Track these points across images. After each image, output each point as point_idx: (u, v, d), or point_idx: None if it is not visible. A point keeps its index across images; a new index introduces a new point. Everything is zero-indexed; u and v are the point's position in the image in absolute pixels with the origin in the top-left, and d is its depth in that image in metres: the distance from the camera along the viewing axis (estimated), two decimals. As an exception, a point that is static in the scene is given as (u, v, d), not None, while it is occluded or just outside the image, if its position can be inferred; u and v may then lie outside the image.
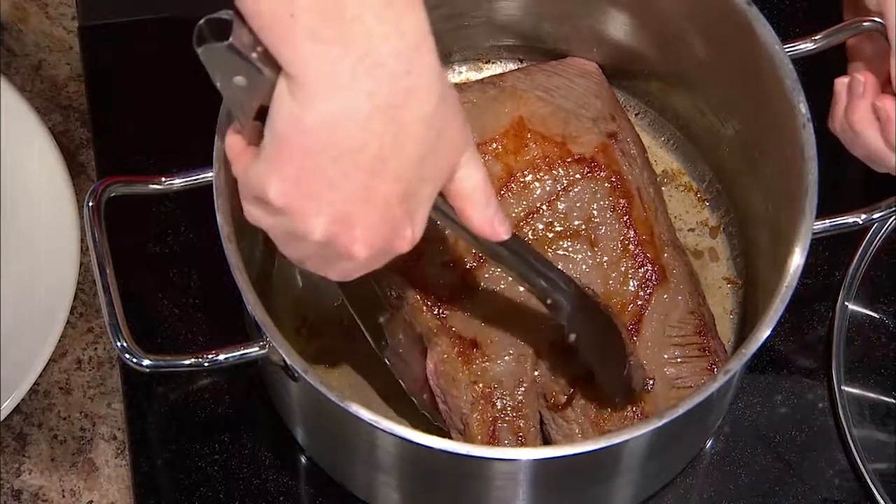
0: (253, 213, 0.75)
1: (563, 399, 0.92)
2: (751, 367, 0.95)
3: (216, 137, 0.80)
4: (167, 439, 0.97)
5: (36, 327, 0.96)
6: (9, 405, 0.94)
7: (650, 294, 0.93)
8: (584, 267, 0.94)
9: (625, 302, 0.93)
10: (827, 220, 0.87)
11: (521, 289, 0.90)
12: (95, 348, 1.00)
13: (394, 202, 0.72)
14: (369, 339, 0.91)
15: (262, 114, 0.72)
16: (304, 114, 0.69)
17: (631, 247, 0.94)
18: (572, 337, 0.87)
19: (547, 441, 0.93)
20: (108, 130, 1.04)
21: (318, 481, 0.96)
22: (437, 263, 0.92)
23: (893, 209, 0.89)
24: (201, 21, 0.69)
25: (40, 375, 0.95)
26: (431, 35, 0.70)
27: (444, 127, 0.72)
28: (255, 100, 0.71)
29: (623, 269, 0.94)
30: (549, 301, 0.84)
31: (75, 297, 0.97)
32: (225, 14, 0.69)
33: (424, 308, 0.91)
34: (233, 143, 0.75)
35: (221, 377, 0.98)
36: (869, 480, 0.95)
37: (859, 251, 1.01)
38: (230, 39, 0.69)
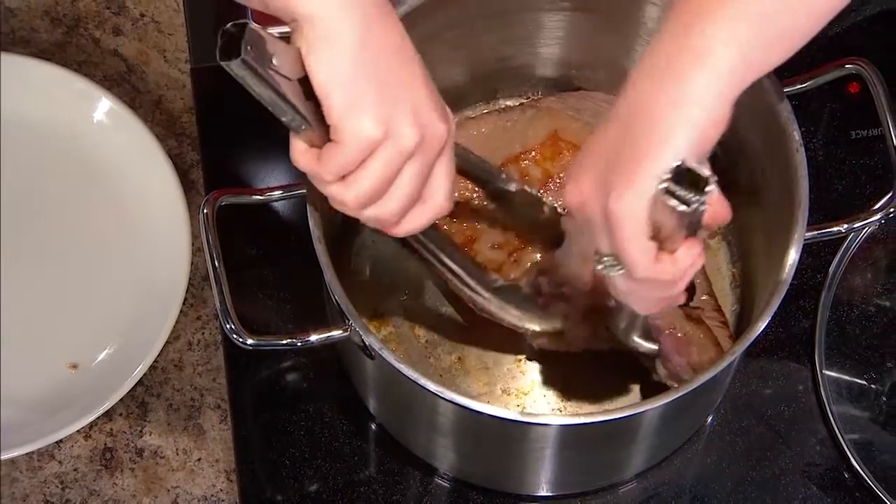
0: (351, 189, 0.72)
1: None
2: (747, 353, 0.91)
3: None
4: (262, 409, 0.97)
5: (155, 315, 0.96)
6: (133, 379, 0.94)
7: None
8: None
9: None
10: (815, 230, 0.86)
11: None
12: (203, 333, 1.00)
13: (426, 77, 0.72)
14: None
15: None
16: (339, 48, 0.67)
17: None
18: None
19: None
20: (214, 154, 1.05)
21: (386, 445, 0.95)
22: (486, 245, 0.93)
23: (871, 220, 0.88)
24: (218, 51, 0.66)
25: (159, 354, 0.96)
26: None
27: None
28: (291, 74, 0.68)
29: None
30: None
31: (187, 291, 0.97)
32: (228, 28, 0.66)
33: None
34: (297, 147, 0.73)
35: (305, 359, 0.97)
36: (846, 447, 0.95)
37: (837, 257, 1.00)
38: (249, 25, 0.65)
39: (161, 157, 1.01)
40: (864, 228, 0.95)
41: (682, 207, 0.67)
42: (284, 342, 0.83)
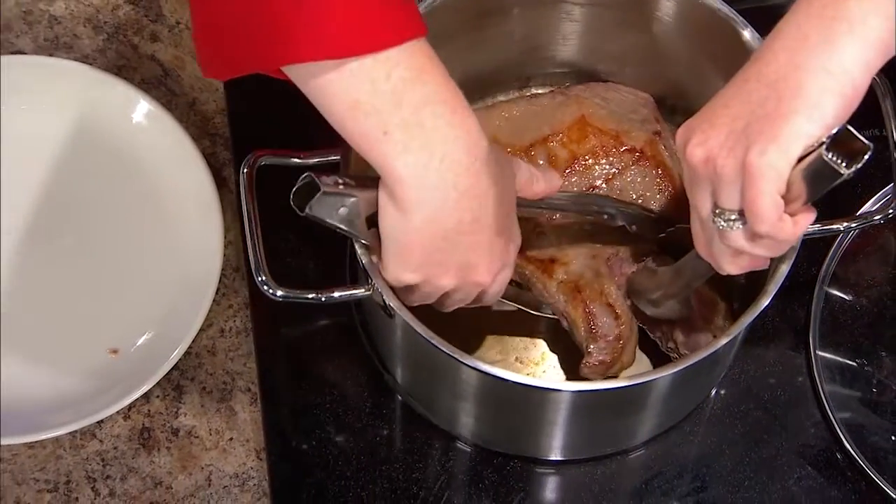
0: (405, 295, 0.79)
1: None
2: (746, 339, 0.95)
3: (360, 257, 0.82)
4: (289, 391, 0.98)
5: (190, 304, 0.97)
6: (169, 363, 0.95)
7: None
8: None
9: None
10: (815, 226, 0.85)
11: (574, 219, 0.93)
12: (234, 321, 1.01)
13: (496, 237, 0.74)
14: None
15: (371, 221, 0.75)
16: (408, 219, 0.71)
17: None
18: (633, 228, 0.91)
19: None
20: (245, 153, 1.01)
21: (409, 422, 0.96)
22: None
23: (870, 221, 0.90)
24: (292, 195, 0.72)
25: (193, 341, 0.97)
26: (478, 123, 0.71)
27: (504, 167, 0.74)
28: (359, 216, 0.74)
29: None
30: (605, 217, 0.89)
31: (219, 281, 0.98)
32: (305, 178, 0.73)
33: None
34: (360, 250, 0.80)
35: (332, 344, 0.98)
36: (838, 430, 0.96)
37: (832, 249, 1.02)
38: (322, 189, 0.72)
39: (196, 155, 1.01)
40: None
41: (843, 171, 0.66)
42: (310, 296, 0.83)
